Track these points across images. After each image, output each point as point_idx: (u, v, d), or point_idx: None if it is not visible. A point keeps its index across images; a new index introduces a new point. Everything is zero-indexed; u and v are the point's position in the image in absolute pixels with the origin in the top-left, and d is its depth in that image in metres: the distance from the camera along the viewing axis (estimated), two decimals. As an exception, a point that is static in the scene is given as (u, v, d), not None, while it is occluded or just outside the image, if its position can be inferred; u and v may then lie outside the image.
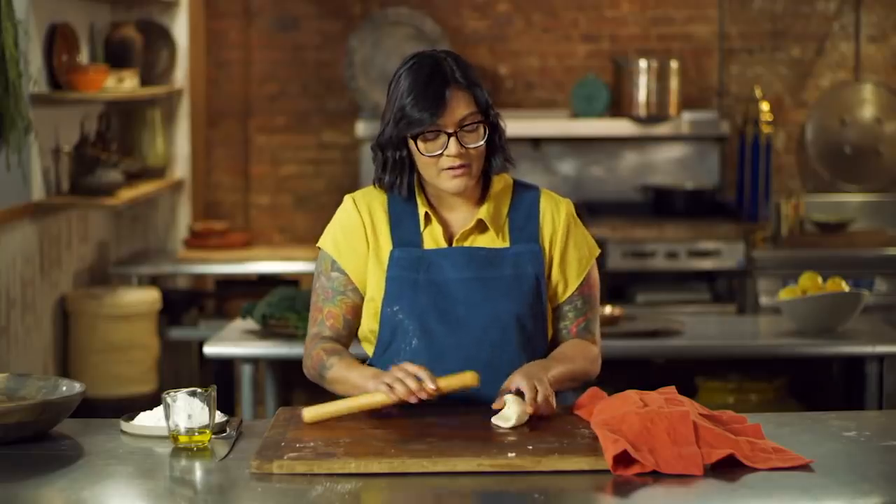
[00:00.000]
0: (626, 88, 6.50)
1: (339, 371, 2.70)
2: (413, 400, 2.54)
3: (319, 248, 2.82)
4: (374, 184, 2.81)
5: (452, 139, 2.68)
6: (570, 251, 2.79)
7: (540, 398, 2.54)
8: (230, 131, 7.01)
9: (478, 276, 2.74)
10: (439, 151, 2.68)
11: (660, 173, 6.77)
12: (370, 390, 2.59)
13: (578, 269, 2.80)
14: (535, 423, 2.55)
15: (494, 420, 2.54)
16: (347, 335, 2.81)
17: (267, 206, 7.04)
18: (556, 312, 2.80)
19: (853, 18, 6.81)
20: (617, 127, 6.54)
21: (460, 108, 2.68)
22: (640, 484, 2.25)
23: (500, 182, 2.82)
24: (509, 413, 2.53)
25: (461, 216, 2.79)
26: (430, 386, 2.53)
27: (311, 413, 2.59)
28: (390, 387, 2.54)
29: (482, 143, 2.71)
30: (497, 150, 2.77)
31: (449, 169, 2.69)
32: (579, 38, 6.91)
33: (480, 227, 2.77)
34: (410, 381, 2.54)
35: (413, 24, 6.70)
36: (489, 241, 2.77)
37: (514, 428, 2.51)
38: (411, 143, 2.71)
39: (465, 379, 2.57)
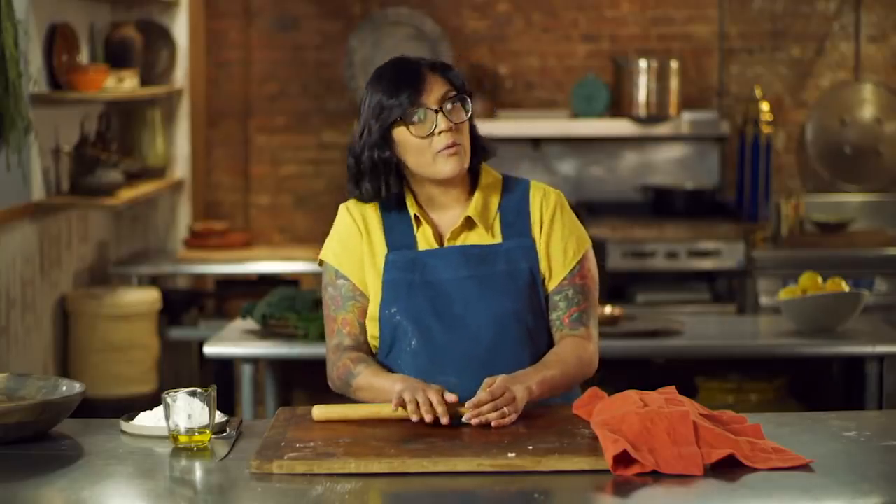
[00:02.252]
0: (626, 88, 6.50)
1: (367, 378, 2.70)
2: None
3: (322, 261, 2.82)
4: (353, 197, 2.78)
5: (440, 115, 2.69)
6: (554, 240, 2.78)
7: (489, 393, 2.53)
8: (230, 131, 7.01)
9: (472, 274, 2.74)
10: (430, 130, 2.68)
11: (660, 173, 6.77)
12: (395, 394, 2.57)
13: (565, 259, 2.78)
14: (535, 422, 2.55)
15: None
16: (366, 340, 2.80)
17: (267, 206, 7.04)
18: (547, 303, 2.79)
19: (853, 18, 6.81)
20: (617, 127, 6.55)
21: (438, 87, 2.70)
22: (640, 484, 2.25)
23: (489, 177, 2.81)
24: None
25: (450, 215, 2.79)
26: (443, 420, 2.52)
27: (321, 412, 2.58)
28: (406, 402, 2.54)
29: (467, 118, 2.72)
30: (476, 141, 2.77)
31: (444, 150, 2.69)
32: (579, 38, 6.91)
33: (470, 224, 2.77)
34: (427, 414, 2.51)
35: (413, 24, 6.70)
36: (480, 238, 2.77)
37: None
38: (398, 133, 2.70)
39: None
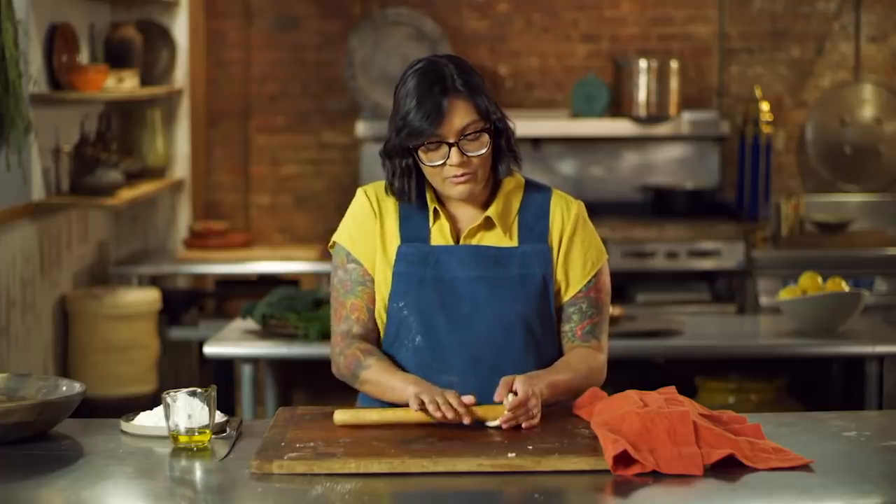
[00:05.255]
0: (626, 88, 6.50)
1: (377, 373, 2.69)
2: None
3: (335, 242, 2.81)
4: (385, 190, 2.80)
5: (454, 149, 2.67)
6: (574, 251, 2.78)
7: (519, 400, 2.53)
8: (230, 131, 7.01)
9: (484, 274, 2.73)
10: (441, 161, 2.68)
11: (660, 173, 6.77)
12: (409, 395, 2.56)
13: (583, 271, 2.78)
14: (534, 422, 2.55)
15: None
16: (375, 326, 2.78)
17: (267, 206, 7.04)
18: (560, 313, 2.79)
19: (853, 18, 6.81)
20: (617, 127, 6.55)
21: (460, 117, 2.67)
22: (640, 484, 2.26)
23: (512, 181, 2.81)
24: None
25: (470, 213, 2.78)
26: (465, 420, 2.52)
27: (342, 416, 2.57)
28: (424, 404, 2.52)
29: (485, 150, 2.70)
30: (502, 153, 2.76)
31: (453, 177, 2.69)
32: (579, 38, 6.91)
33: (488, 224, 2.77)
34: (449, 411, 2.51)
35: (413, 24, 6.70)
36: (497, 239, 2.77)
37: (496, 428, 2.53)
38: (417, 150, 2.70)
39: (489, 414, 2.55)
